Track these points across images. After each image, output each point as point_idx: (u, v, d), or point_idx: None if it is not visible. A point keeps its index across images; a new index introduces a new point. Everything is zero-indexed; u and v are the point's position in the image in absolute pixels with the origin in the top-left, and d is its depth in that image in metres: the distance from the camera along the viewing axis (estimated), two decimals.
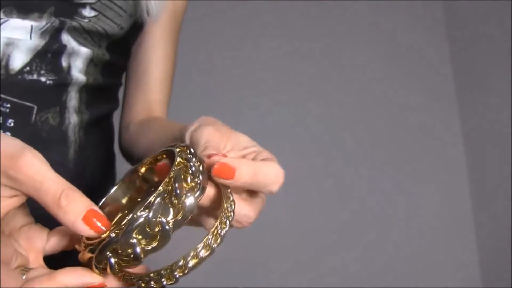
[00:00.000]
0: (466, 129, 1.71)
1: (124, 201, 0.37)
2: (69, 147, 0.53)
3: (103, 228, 0.29)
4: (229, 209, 0.32)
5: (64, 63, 0.52)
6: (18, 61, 0.49)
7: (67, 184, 0.29)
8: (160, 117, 0.62)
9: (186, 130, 0.39)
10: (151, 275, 0.29)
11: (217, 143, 0.35)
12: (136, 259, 0.29)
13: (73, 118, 0.53)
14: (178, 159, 0.32)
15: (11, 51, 0.48)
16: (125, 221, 0.29)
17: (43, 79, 0.50)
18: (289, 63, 1.70)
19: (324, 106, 1.69)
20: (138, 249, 0.29)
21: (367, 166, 1.68)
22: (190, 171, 0.31)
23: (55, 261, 0.34)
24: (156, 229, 0.29)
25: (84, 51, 0.53)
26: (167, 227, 0.29)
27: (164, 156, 0.36)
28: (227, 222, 0.32)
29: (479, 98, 1.65)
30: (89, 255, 0.30)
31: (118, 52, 0.58)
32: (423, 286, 1.60)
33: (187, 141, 0.38)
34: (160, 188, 0.29)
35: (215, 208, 0.34)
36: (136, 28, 0.59)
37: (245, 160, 0.32)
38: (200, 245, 0.30)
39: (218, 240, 0.31)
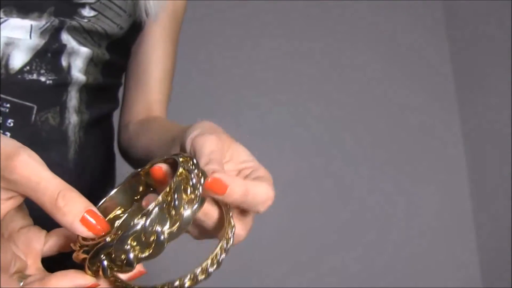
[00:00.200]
0: (466, 129, 1.71)
1: (123, 204, 0.37)
2: (69, 147, 0.53)
3: (101, 229, 0.29)
4: (230, 235, 0.33)
5: (64, 63, 0.52)
6: (18, 60, 0.49)
7: (65, 184, 0.29)
8: (160, 117, 0.62)
9: (187, 134, 0.39)
10: None
11: (220, 156, 0.35)
12: (128, 265, 0.29)
13: (73, 118, 0.53)
14: (180, 170, 0.32)
15: (11, 50, 0.48)
16: (119, 221, 0.29)
17: (43, 78, 0.50)
18: (289, 63, 1.70)
19: (324, 106, 1.69)
20: (131, 256, 0.29)
21: (367, 166, 1.68)
22: (191, 183, 0.31)
23: (53, 263, 0.34)
24: (151, 239, 0.29)
25: (84, 50, 0.53)
26: (162, 237, 0.29)
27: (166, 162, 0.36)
28: (227, 249, 0.32)
29: (479, 98, 1.65)
30: (83, 255, 0.30)
31: (118, 52, 0.58)
32: (423, 286, 1.60)
33: (188, 147, 0.38)
34: (159, 197, 0.30)
35: (216, 229, 0.34)
36: (135, 28, 0.59)
37: (238, 178, 0.32)
38: (198, 269, 0.30)
39: (215, 266, 0.31)
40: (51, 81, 0.50)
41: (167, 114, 0.65)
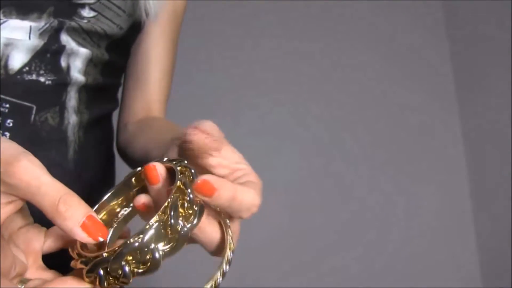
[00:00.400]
0: (466, 129, 1.71)
1: (119, 207, 0.37)
2: (69, 147, 0.53)
3: (101, 235, 0.29)
4: (230, 256, 0.33)
5: (63, 63, 0.52)
6: (17, 61, 0.49)
7: (65, 189, 0.29)
8: (158, 117, 0.62)
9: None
10: None
11: (213, 132, 0.35)
12: (125, 278, 0.29)
13: (72, 118, 0.53)
14: (178, 183, 0.32)
15: (10, 51, 0.48)
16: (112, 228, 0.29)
17: (42, 79, 0.50)
18: (289, 63, 1.70)
19: (324, 106, 1.69)
20: (127, 269, 0.29)
21: (367, 166, 1.68)
22: (188, 198, 0.31)
23: (53, 258, 0.34)
24: (148, 257, 0.29)
25: (83, 51, 0.53)
26: (158, 255, 0.29)
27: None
28: (226, 272, 0.32)
29: (479, 98, 1.65)
30: (81, 265, 0.30)
31: (118, 52, 0.58)
32: (423, 286, 1.60)
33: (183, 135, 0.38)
34: (156, 216, 0.30)
35: (215, 247, 0.34)
36: (135, 28, 0.59)
37: (227, 182, 0.32)
38: None
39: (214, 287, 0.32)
40: (50, 81, 0.50)
41: (167, 114, 0.65)
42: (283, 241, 1.60)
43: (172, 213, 0.30)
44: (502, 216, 1.52)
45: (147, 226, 0.29)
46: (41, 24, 0.49)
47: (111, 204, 0.37)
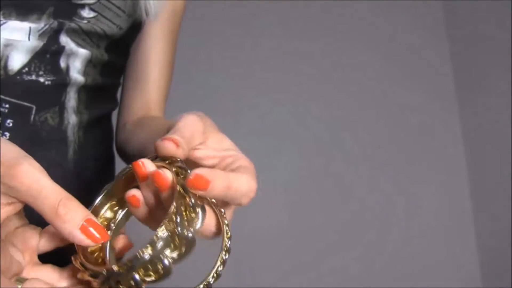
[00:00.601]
0: (466, 129, 1.71)
1: (115, 206, 0.37)
2: (69, 147, 0.53)
3: (100, 238, 0.30)
4: (228, 245, 0.33)
5: (62, 64, 0.52)
6: (17, 61, 0.49)
7: (65, 192, 0.30)
8: (157, 116, 0.62)
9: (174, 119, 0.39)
10: None
11: (188, 131, 0.35)
12: (137, 286, 0.30)
13: (72, 118, 0.53)
14: (178, 188, 0.32)
15: (9, 51, 0.48)
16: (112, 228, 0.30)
17: (41, 79, 0.50)
18: (289, 63, 1.70)
19: (324, 106, 1.69)
20: (138, 279, 0.30)
21: (367, 166, 1.68)
22: (190, 203, 0.32)
23: (48, 255, 0.34)
24: (159, 266, 0.30)
25: (83, 52, 0.53)
26: (168, 263, 0.30)
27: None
28: (226, 260, 0.33)
29: (479, 98, 1.65)
30: (88, 278, 0.31)
31: (117, 52, 0.58)
32: (423, 286, 1.60)
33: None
34: (163, 226, 0.30)
35: (212, 234, 0.35)
36: (135, 28, 0.59)
37: (219, 172, 0.32)
38: (201, 285, 0.32)
39: (216, 278, 0.32)
40: (49, 82, 0.51)
41: (166, 114, 0.65)
42: (283, 241, 1.60)
43: (178, 221, 0.30)
44: (502, 216, 1.52)
45: (156, 238, 0.30)
46: (40, 25, 0.49)
47: (106, 206, 0.37)
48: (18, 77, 0.49)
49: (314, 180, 1.65)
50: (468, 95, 1.70)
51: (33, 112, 0.50)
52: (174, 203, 0.31)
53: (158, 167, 0.34)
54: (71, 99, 0.53)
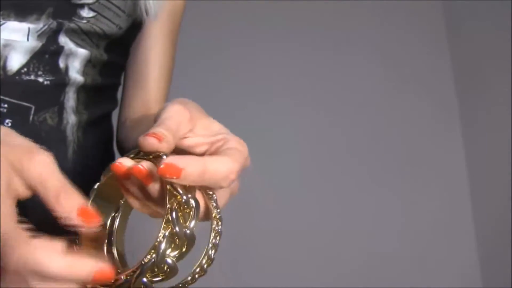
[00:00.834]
0: (466, 129, 1.71)
1: (108, 209, 0.38)
2: (68, 147, 0.53)
3: (95, 222, 0.31)
4: (218, 228, 0.33)
5: (61, 64, 0.52)
6: (15, 62, 0.49)
7: (69, 184, 0.32)
8: (154, 114, 0.62)
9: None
10: None
11: (174, 122, 0.35)
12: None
13: (71, 118, 0.53)
14: (168, 187, 0.32)
15: (8, 52, 0.49)
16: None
17: (40, 79, 0.50)
18: (289, 64, 1.70)
19: (323, 107, 1.69)
20: (146, 281, 0.31)
21: (367, 167, 1.68)
22: (182, 199, 0.32)
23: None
24: (164, 267, 0.31)
25: (82, 52, 0.53)
26: (172, 263, 0.31)
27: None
28: (218, 244, 0.33)
29: (479, 98, 1.65)
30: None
31: (117, 52, 0.59)
32: (423, 286, 1.60)
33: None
34: (161, 230, 0.31)
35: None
36: (134, 27, 0.59)
37: (193, 158, 0.32)
38: (197, 269, 0.32)
39: (210, 262, 0.33)
40: (48, 82, 0.51)
41: None
42: (282, 241, 1.59)
43: (175, 221, 0.31)
44: (502, 216, 1.52)
45: (157, 242, 0.31)
46: (39, 26, 0.49)
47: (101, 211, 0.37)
48: (17, 77, 0.49)
49: (313, 181, 1.65)
50: (468, 95, 1.70)
51: (32, 112, 0.50)
52: (168, 204, 0.31)
53: (138, 162, 0.34)
54: (70, 99, 0.53)
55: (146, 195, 0.35)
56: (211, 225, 0.33)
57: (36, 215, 0.35)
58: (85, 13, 0.52)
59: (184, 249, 0.31)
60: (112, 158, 0.63)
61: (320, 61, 1.72)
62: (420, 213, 1.67)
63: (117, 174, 0.34)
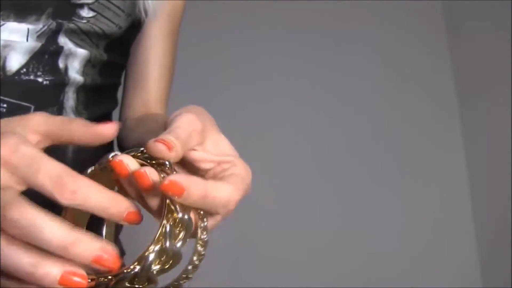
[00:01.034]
0: (466, 129, 1.71)
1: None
2: (67, 146, 0.53)
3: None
4: (202, 236, 0.33)
5: (61, 64, 0.52)
6: (15, 62, 0.49)
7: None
8: (157, 113, 0.63)
9: (171, 115, 0.38)
10: None
11: (184, 132, 0.35)
12: None
13: None
14: (167, 201, 0.32)
15: (7, 52, 0.49)
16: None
17: (40, 79, 0.50)
18: (289, 64, 1.71)
19: (323, 107, 1.70)
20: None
21: (367, 167, 1.68)
22: (178, 217, 0.32)
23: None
24: (145, 279, 0.31)
25: (81, 52, 0.53)
26: (153, 276, 0.31)
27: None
28: (202, 252, 0.33)
29: (479, 98, 1.65)
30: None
31: (117, 52, 0.59)
32: (423, 286, 1.60)
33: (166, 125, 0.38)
34: (152, 245, 0.31)
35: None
36: (134, 27, 0.59)
37: (197, 180, 0.32)
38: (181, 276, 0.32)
39: (195, 270, 0.33)
40: (48, 82, 0.51)
41: (166, 113, 0.66)
42: (282, 242, 1.59)
43: (167, 239, 0.31)
44: (502, 216, 1.52)
45: (146, 254, 0.31)
46: (39, 26, 0.49)
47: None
48: (16, 78, 0.49)
49: (313, 181, 1.65)
50: (468, 95, 1.70)
51: (31, 112, 0.50)
52: (164, 220, 0.31)
53: (141, 164, 0.34)
54: (70, 99, 0.53)
55: (140, 197, 0.34)
56: (195, 246, 0.33)
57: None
58: (85, 13, 0.52)
59: (167, 266, 0.31)
60: None
61: (320, 61, 1.72)
62: (420, 213, 1.67)
63: (117, 173, 0.34)
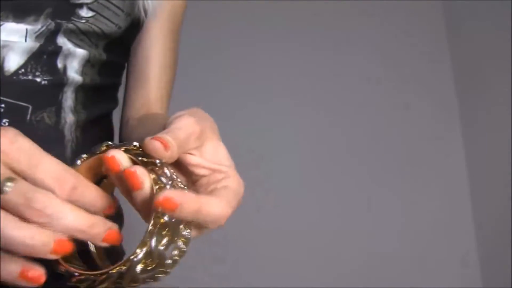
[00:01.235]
0: (466, 129, 1.71)
1: (91, 176, 0.38)
2: (66, 146, 0.53)
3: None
4: (153, 243, 0.33)
5: (59, 64, 0.52)
6: (13, 62, 0.49)
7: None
8: (158, 113, 0.63)
9: (172, 116, 0.39)
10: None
11: (183, 134, 0.35)
12: None
13: (69, 118, 0.53)
14: (153, 214, 0.32)
15: (6, 53, 0.49)
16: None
17: (38, 79, 0.50)
18: (289, 64, 1.70)
19: (323, 107, 1.69)
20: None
21: (367, 167, 1.68)
22: (165, 222, 0.32)
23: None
24: (128, 279, 0.32)
25: (80, 52, 0.53)
26: (137, 276, 0.32)
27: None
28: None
29: (479, 98, 1.65)
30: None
31: (116, 51, 0.58)
32: (423, 286, 1.60)
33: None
34: (138, 249, 0.31)
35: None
36: (134, 27, 0.59)
37: (190, 196, 0.32)
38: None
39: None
40: (46, 82, 0.51)
41: (168, 112, 0.66)
42: (282, 242, 1.59)
43: (153, 242, 0.32)
44: (502, 216, 1.52)
45: (133, 257, 0.31)
46: (37, 27, 0.49)
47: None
48: (14, 78, 0.49)
49: (313, 181, 1.65)
50: (468, 95, 1.70)
51: (30, 111, 0.50)
52: (151, 226, 0.32)
53: (133, 161, 0.34)
54: (68, 99, 0.53)
55: (128, 194, 0.34)
56: (177, 241, 0.34)
57: None
58: (84, 12, 0.52)
59: (150, 268, 0.32)
60: None
61: (320, 61, 1.72)
62: (420, 213, 1.67)
63: (108, 168, 0.34)
